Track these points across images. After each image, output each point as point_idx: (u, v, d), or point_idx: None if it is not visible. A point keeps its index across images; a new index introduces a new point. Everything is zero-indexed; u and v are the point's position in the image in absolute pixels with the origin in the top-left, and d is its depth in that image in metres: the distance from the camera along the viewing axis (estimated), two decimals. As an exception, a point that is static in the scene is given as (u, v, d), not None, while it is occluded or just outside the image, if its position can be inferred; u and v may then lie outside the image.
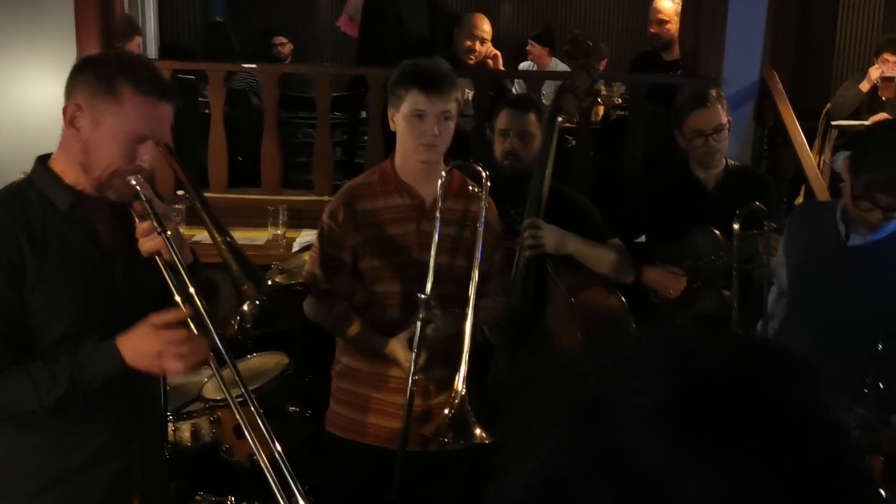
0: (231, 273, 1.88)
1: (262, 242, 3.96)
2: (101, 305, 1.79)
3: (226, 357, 1.73)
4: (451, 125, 2.36)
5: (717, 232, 2.91)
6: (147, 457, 1.94)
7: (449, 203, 2.41)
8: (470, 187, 2.44)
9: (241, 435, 2.93)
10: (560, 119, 2.67)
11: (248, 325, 1.96)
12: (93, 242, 1.81)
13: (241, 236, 4.03)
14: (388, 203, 2.41)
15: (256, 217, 4.07)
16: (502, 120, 3.00)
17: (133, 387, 1.85)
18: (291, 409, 3.10)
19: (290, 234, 3.99)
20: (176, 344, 1.70)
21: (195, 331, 1.72)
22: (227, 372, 3.10)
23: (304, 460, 3.15)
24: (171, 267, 1.73)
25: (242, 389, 1.76)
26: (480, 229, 2.38)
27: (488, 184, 2.40)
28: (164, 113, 1.78)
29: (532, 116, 2.96)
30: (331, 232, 2.42)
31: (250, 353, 3.36)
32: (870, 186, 2.16)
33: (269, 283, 1.95)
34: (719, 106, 3.03)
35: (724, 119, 3.04)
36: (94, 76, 1.74)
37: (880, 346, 2.01)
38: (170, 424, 2.92)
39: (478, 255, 2.36)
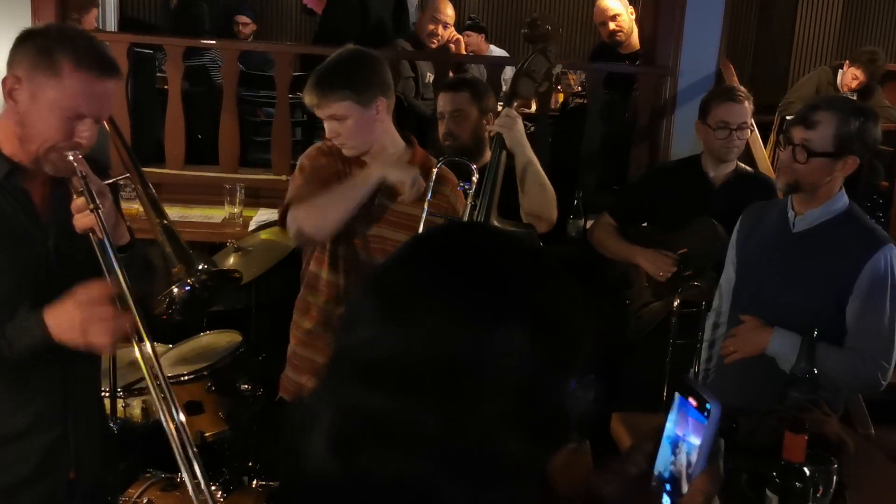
0: (164, 254, 1.88)
1: (218, 220, 3.93)
2: (33, 274, 1.77)
3: (145, 337, 1.71)
4: (348, 122, 2.31)
5: (717, 224, 2.92)
6: (83, 431, 1.93)
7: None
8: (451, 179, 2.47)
9: (192, 412, 2.95)
10: (516, 103, 2.68)
11: (177, 307, 1.97)
12: (26, 212, 1.79)
13: (198, 214, 4.01)
14: (351, 173, 2.43)
15: (213, 195, 4.03)
16: (438, 103, 3.09)
17: (64, 358, 1.83)
18: (243, 386, 3.12)
19: (246, 213, 3.97)
20: (99, 318, 1.66)
21: (119, 307, 1.69)
22: (169, 352, 3.13)
23: (256, 436, 3.18)
24: (103, 245, 1.70)
25: (159, 372, 1.73)
26: (425, 206, 2.35)
27: (475, 178, 2.44)
28: (105, 89, 1.73)
29: (463, 96, 3.00)
30: (315, 163, 2.41)
31: (204, 331, 3.36)
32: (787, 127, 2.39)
33: (201, 267, 1.97)
34: (747, 104, 3.08)
35: (749, 119, 3.10)
36: (35, 49, 1.69)
37: (815, 332, 2.08)
38: (120, 401, 2.91)
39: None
